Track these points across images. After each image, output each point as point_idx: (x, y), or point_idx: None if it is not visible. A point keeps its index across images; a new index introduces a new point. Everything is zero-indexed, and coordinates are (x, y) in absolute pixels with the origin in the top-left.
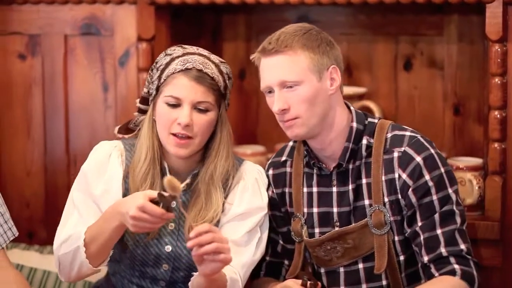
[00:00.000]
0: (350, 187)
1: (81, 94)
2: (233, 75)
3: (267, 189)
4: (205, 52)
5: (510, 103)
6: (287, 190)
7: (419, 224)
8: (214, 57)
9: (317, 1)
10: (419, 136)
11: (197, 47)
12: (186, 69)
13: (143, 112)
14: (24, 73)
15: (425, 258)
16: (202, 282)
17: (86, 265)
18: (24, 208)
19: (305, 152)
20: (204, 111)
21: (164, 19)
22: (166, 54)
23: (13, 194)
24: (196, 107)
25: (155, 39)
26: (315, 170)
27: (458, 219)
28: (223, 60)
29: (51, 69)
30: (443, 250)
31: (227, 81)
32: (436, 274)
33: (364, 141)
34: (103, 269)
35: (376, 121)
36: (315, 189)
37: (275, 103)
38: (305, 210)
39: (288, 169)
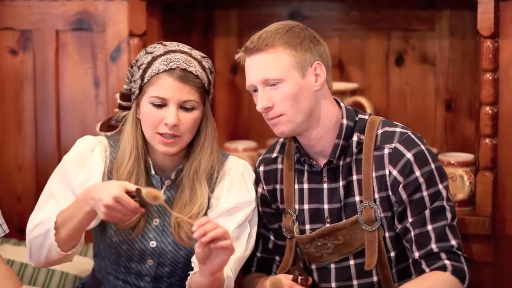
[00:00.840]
0: (341, 183)
1: (72, 89)
2: (225, 71)
3: (257, 186)
4: (186, 48)
5: (502, 99)
6: (278, 186)
7: (410, 220)
8: (195, 53)
9: None
10: (409, 132)
11: (178, 43)
12: (170, 69)
13: (123, 108)
14: (15, 69)
15: (416, 254)
16: (205, 282)
17: (54, 249)
18: (15, 203)
19: (296, 149)
20: (190, 109)
21: (156, 15)
22: (147, 52)
23: (4, 189)
24: (182, 106)
25: (147, 34)
26: (306, 166)
27: (449, 215)
28: (204, 55)
29: (42, 65)
30: (433, 246)
31: (209, 76)
32: (427, 270)
33: (355, 138)
34: (89, 265)
35: (366, 117)
36: (306, 186)
37: (258, 101)
38: (296, 206)
39: (279, 166)
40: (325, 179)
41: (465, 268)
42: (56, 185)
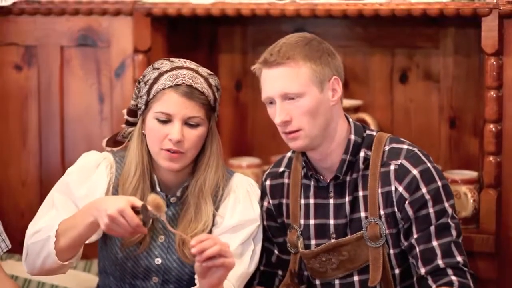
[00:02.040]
0: (347, 199)
1: (77, 105)
2: (229, 87)
3: (263, 200)
4: (193, 65)
5: (506, 117)
6: (284, 201)
7: (415, 236)
8: (202, 70)
9: (313, 13)
10: (416, 150)
11: (185, 60)
12: (176, 84)
13: (130, 124)
14: (20, 84)
15: (422, 270)
16: None
17: (52, 257)
18: (19, 219)
19: (303, 163)
20: (195, 126)
21: (160, 31)
22: (154, 68)
23: (8, 205)
24: (187, 123)
25: (151, 50)
26: (312, 181)
27: (454, 232)
28: (211, 72)
29: (47, 80)
30: (440, 262)
31: (216, 94)
32: (433, 286)
33: (362, 154)
34: (93, 282)
35: (374, 133)
36: (312, 201)
37: (276, 115)
38: (302, 221)
39: (285, 180)
40: (332, 194)
41: (471, 284)
42: (58, 196)
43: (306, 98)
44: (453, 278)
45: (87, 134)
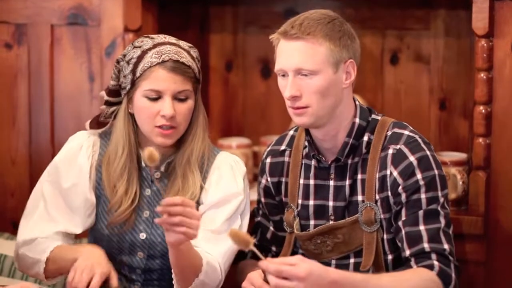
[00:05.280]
0: (347, 182)
1: (67, 84)
2: (220, 67)
3: (261, 177)
4: (173, 39)
5: (495, 98)
6: (283, 179)
7: (403, 218)
8: (182, 43)
9: None
10: (417, 137)
11: (164, 35)
12: (163, 61)
13: (111, 104)
14: (10, 63)
15: (407, 252)
16: (171, 252)
17: (41, 276)
18: (8, 198)
19: (306, 143)
20: (184, 99)
21: (151, 10)
22: (135, 47)
23: None
24: (177, 97)
25: (142, 30)
26: (313, 162)
27: (443, 220)
28: (190, 45)
29: (37, 59)
30: (426, 245)
31: (198, 65)
32: (415, 267)
33: (365, 138)
34: None
35: (379, 117)
36: (312, 182)
37: (287, 88)
38: (300, 201)
39: (286, 159)
40: (332, 176)
41: (453, 275)
42: (47, 188)
43: (319, 76)
44: (435, 262)
45: (77, 113)
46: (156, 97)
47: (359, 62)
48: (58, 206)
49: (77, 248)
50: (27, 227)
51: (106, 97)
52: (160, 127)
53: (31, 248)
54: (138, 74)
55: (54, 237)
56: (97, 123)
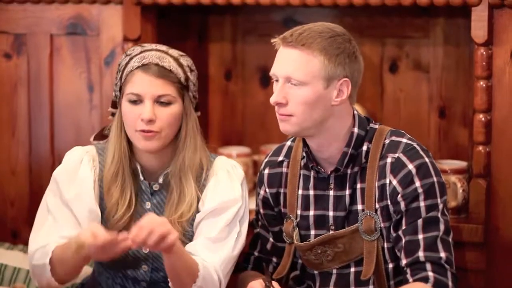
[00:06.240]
0: (347, 192)
1: (66, 94)
2: (219, 76)
3: (260, 188)
4: (163, 47)
5: (495, 106)
6: (282, 190)
7: (403, 227)
8: (172, 51)
9: (303, 3)
10: (415, 144)
11: (156, 44)
12: (143, 64)
13: (114, 115)
14: (9, 72)
15: (403, 262)
16: (164, 257)
17: (53, 283)
18: (8, 208)
19: (304, 154)
20: (166, 104)
21: (150, 20)
22: (126, 55)
23: None
24: (158, 101)
25: (141, 39)
26: (312, 172)
27: (442, 227)
28: (182, 54)
29: (36, 69)
30: (421, 254)
31: (188, 73)
32: (410, 280)
33: (364, 147)
34: (88, 268)
35: (376, 126)
36: (311, 192)
37: (274, 94)
38: (299, 212)
39: (284, 170)
40: (332, 186)
41: (449, 283)
42: (51, 201)
43: (307, 88)
44: (430, 274)
45: (77, 123)
46: (136, 100)
47: (359, 83)
48: (65, 217)
49: (78, 233)
50: (36, 239)
51: (110, 109)
52: (141, 131)
53: (38, 255)
54: (123, 80)
55: (59, 242)
56: (101, 136)
